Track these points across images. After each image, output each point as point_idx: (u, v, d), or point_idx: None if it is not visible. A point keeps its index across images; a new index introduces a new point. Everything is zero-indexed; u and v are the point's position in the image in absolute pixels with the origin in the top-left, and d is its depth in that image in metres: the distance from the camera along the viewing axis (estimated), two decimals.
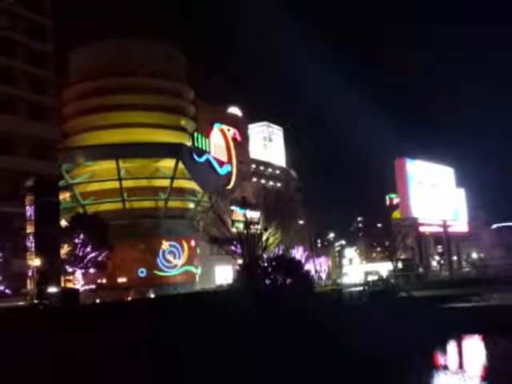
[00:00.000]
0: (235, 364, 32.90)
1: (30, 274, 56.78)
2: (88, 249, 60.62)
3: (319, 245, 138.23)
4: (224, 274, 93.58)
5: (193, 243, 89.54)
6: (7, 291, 51.37)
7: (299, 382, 29.97)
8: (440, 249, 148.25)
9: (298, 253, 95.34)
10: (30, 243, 57.41)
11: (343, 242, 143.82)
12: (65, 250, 59.88)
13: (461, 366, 38.27)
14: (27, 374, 27.64)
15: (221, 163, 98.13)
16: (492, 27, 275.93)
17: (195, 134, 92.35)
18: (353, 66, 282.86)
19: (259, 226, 67.10)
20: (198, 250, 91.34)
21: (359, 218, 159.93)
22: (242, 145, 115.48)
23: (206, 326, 38.15)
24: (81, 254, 60.27)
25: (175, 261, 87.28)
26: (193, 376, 31.18)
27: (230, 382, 31.03)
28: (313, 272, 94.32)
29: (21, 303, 50.80)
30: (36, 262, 56.30)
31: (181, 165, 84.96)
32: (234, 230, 64.93)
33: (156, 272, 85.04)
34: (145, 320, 37.52)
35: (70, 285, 60.35)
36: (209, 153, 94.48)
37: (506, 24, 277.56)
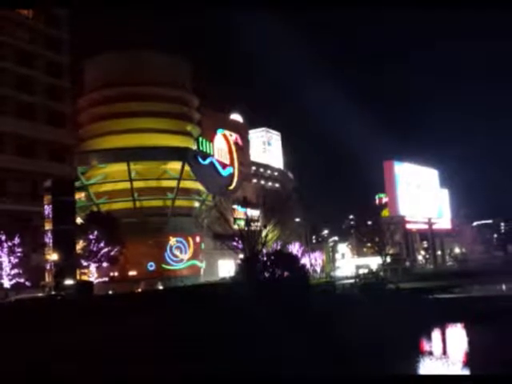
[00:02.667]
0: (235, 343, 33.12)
1: (48, 267, 57.06)
2: (101, 244, 60.79)
3: (314, 241, 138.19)
4: (227, 268, 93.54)
5: (198, 239, 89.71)
6: (27, 283, 51.56)
7: (295, 361, 30.06)
8: (425, 244, 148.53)
9: (295, 248, 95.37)
10: (48, 239, 57.65)
11: (336, 238, 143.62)
12: (80, 245, 60.08)
13: (444, 352, 38.37)
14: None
15: (223, 166, 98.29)
16: (489, 43, 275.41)
17: (200, 139, 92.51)
18: (351, 73, 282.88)
19: (259, 224, 67.27)
20: (203, 246, 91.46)
21: (351, 216, 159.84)
22: (243, 149, 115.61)
23: (209, 314, 38.32)
24: (95, 249, 60.44)
25: (182, 255, 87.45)
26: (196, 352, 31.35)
27: (231, 355, 31.10)
28: (308, 266, 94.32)
29: (40, 295, 51.03)
30: (53, 256, 56.53)
31: (187, 167, 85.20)
32: (235, 227, 65.00)
33: (164, 266, 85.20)
34: (155, 307, 37.82)
35: (84, 277, 60.61)
36: (212, 156, 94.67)
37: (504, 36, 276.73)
